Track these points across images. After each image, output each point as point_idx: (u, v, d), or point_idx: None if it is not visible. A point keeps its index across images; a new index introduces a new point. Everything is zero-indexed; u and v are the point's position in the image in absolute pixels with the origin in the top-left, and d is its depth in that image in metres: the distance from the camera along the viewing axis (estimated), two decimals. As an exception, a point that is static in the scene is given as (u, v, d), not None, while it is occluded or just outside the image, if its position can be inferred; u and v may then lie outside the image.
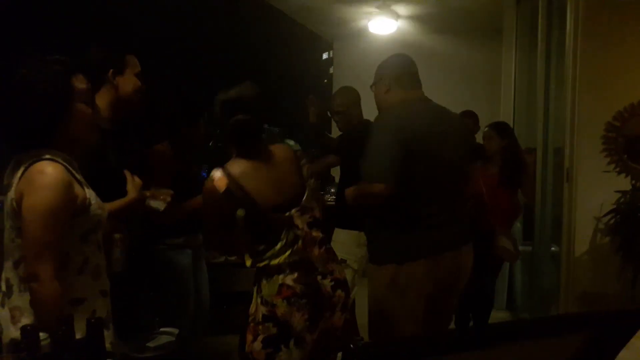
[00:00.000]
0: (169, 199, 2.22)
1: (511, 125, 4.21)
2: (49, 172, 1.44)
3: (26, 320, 1.44)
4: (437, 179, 2.28)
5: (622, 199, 3.72)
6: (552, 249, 3.81)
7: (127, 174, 1.95)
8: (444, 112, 2.51)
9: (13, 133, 1.52)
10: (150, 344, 1.48)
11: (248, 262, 1.98)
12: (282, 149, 2.13)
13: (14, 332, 1.43)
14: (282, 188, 2.00)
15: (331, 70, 6.69)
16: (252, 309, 1.96)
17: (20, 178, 1.47)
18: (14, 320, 1.46)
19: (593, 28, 3.55)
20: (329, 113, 3.57)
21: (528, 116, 4.52)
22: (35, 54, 1.56)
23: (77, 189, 1.50)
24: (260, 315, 1.91)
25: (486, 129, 3.73)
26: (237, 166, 1.97)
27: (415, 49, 6.03)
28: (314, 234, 2.00)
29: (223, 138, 2.05)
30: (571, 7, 3.16)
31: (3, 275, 1.53)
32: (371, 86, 2.64)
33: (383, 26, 5.54)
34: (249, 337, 1.92)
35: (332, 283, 1.98)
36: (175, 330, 1.50)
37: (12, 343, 1.40)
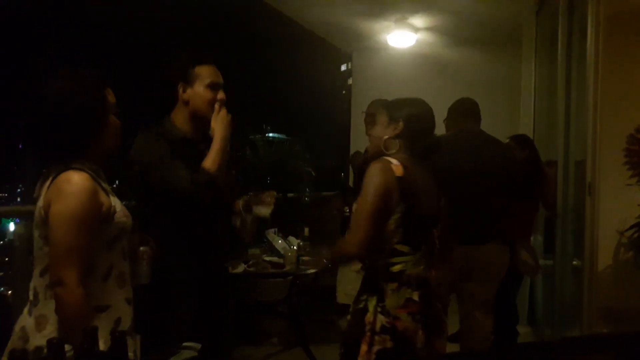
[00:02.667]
0: (273, 200, 2.13)
1: (532, 138, 4.18)
2: (75, 180, 1.47)
3: (51, 327, 1.46)
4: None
5: (645, 213, 3.67)
6: (574, 262, 3.76)
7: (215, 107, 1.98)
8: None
9: (48, 145, 1.54)
10: (173, 359, 1.48)
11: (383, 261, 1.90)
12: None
13: (39, 340, 1.45)
14: (432, 197, 1.98)
15: (350, 81, 6.71)
16: (370, 317, 1.86)
17: (48, 187, 1.50)
18: (39, 327, 1.47)
19: (615, 39, 3.52)
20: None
21: (548, 128, 4.48)
22: (67, 66, 1.58)
23: (103, 197, 1.53)
24: (379, 326, 1.84)
25: (507, 140, 3.71)
26: (408, 160, 1.94)
27: (434, 61, 6.07)
28: (437, 257, 2.00)
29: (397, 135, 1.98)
30: (592, 17, 3.13)
31: (31, 284, 1.55)
32: None
33: (402, 39, 5.56)
34: (364, 347, 1.84)
35: (443, 308, 1.99)
36: (198, 345, 1.50)
37: (37, 351, 1.42)
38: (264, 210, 2.13)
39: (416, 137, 1.99)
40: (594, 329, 3.08)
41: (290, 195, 5.24)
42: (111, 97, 1.60)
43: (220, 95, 2.03)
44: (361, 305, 1.91)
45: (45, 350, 1.07)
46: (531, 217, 3.61)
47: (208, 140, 2.00)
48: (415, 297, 1.86)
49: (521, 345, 2.28)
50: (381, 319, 1.84)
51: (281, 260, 3.71)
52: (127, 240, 1.62)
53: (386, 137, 1.99)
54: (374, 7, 5.01)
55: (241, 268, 3.56)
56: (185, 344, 1.56)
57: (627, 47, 3.71)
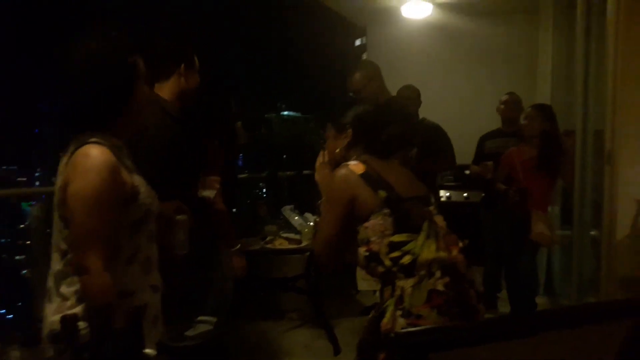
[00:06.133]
0: (217, 185, 2.32)
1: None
2: (94, 154, 1.34)
3: (69, 311, 1.34)
4: None
5: (666, 182, 3.61)
6: (592, 233, 3.73)
7: None
8: None
9: (73, 113, 1.42)
10: (189, 333, 1.48)
11: (377, 269, 1.74)
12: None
13: (57, 323, 1.33)
14: (413, 184, 1.90)
15: (364, 56, 6.64)
16: (387, 324, 1.67)
17: (66, 165, 1.38)
18: (59, 309, 1.36)
19: (636, 5, 3.42)
20: (351, 94, 3.32)
21: (567, 97, 4.41)
22: (97, 29, 1.42)
23: (125, 175, 1.41)
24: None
25: (529, 109, 3.65)
26: (370, 159, 1.88)
27: (449, 33, 5.97)
28: (454, 236, 1.82)
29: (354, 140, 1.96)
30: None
31: (51, 270, 1.44)
32: None
33: (417, 10, 5.47)
34: (382, 356, 1.64)
35: (476, 295, 1.76)
36: (213, 319, 1.51)
37: (52, 333, 1.33)
38: (208, 192, 2.32)
39: (370, 137, 1.93)
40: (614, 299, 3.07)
41: (305, 172, 5.26)
42: (142, 63, 1.47)
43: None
44: (380, 312, 1.75)
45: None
46: (548, 189, 3.58)
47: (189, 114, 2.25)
48: (440, 286, 1.68)
49: (534, 313, 2.27)
50: (401, 323, 1.64)
51: (298, 237, 3.75)
52: (155, 223, 1.51)
53: (339, 149, 1.98)
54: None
55: (258, 245, 3.61)
56: (200, 317, 1.55)
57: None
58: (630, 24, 3.23)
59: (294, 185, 4.99)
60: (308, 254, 3.68)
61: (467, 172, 4.32)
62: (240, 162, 4.93)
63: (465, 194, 5.58)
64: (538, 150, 3.49)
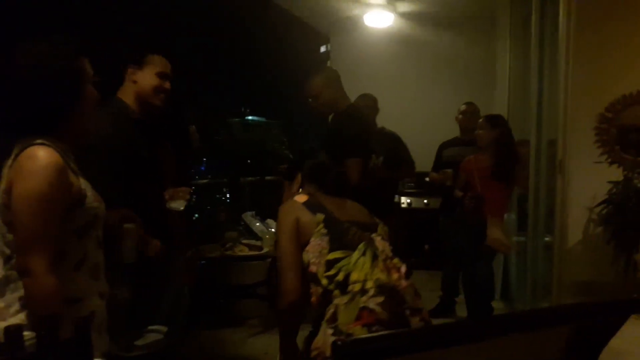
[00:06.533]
0: (187, 196, 2.27)
1: (506, 117, 4.23)
2: (40, 156, 1.31)
3: (12, 319, 1.31)
4: None
5: (614, 190, 3.76)
6: (546, 239, 3.85)
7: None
8: None
9: (16, 117, 1.38)
10: (138, 343, 1.45)
11: (317, 291, 1.78)
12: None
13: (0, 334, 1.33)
14: (355, 212, 2.00)
15: (329, 63, 6.69)
16: (318, 342, 1.66)
17: (10, 167, 1.34)
18: (2, 316, 1.32)
19: (585, 19, 3.56)
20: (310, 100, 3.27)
21: (523, 107, 4.54)
22: (42, 35, 1.41)
23: (72, 177, 1.37)
24: (329, 350, 1.56)
25: (481, 120, 3.75)
26: (315, 192, 2.05)
27: (411, 41, 6.08)
28: (396, 261, 1.82)
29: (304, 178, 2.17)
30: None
31: None
32: None
33: (378, 19, 5.55)
34: None
35: (422, 323, 1.71)
36: (164, 328, 1.49)
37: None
38: (177, 204, 2.26)
39: (317, 178, 2.11)
40: (564, 303, 3.17)
41: (268, 178, 5.25)
42: (89, 67, 1.45)
43: (167, 85, 2.22)
44: (312, 330, 1.78)
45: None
46: (504, 196, 3.67)
47: (154, 119, 2.22)
48: (373, 304, 1.65)
49: (481, 319, 2.32)
50: (331, 341, 1.59)
51: (259, 243, 3.73)
52: (102, 228, 1.47)
53: (293, 191, 2.17)
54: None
55: (218, 251, 3.57)
56: (150, 327, 1.52)
57: (599, 27, 3.75)
58: (580, 39, 3.37)
59: (256, 191, 4.97)
60: (269, 260, 3.67)
61: (427, 179, 4.39)
62: (202, 167, 4.88)
63: (425, 201, 5.67)
64: (493, 159, 3.58)
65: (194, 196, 3.74)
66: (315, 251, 1.79)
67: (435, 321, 3.21)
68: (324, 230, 1.82)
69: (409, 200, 5.78)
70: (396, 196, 5.53)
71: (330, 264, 1.77)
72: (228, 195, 4.69)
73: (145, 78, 2.17)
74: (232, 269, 3.96)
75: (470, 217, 3.62)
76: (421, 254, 5.74)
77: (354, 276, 1.72)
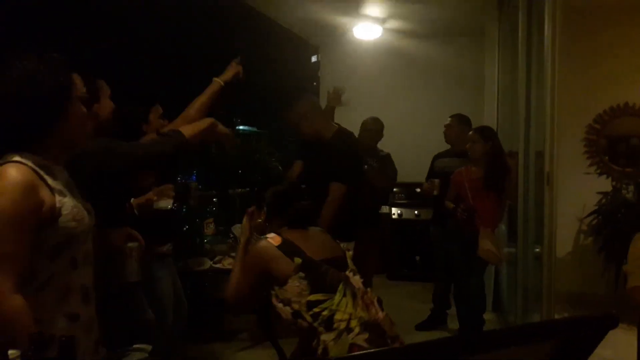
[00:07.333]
0: (172, 193, 2.26)
1: (495, 129, 4.25)
2: (9, 175, 1.31)
3: None
4: None
5: (603, 200, 3.78)
6: (536, 250, 3.85)
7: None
8: None
9: (3, 132, 1.37)
10: None
11: (302, 324, 1.88)
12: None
13: None
14: (326, 247, 2.10)
15: (319, 74, 6.71)
16: None
17: None
18: None
19: (572, 33, 3.59)
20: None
21: (512, 120, 4.57)
22: (31, 49, 1.41)
23: (45, 195, 1.35)
24: None
25: (471, 132, 3.77)
26: (285, 232, 2.09)
27: (400, 53, 6.12)
28: (369, 294, 1.96)
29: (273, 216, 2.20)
30: (549, 12, 3.19)
31: None
32: None
33: (368, 31, 5.58)
34: None
35: None
36: (149, 347, 1.47)
37: None
38: (164, 203, 2.27)
39: (279, 210, 2.18)
40: (555, 314, 3.17)
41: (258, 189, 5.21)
42: (78, 82, 1.45)
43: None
44: None
45: None
46: (496, 208, 3.68)
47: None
48: (361, 341, 1.79)
49: (459, 336, 2.32)
50: None
51: (249, 256, 3.70)
52: (83, 248, 1.44)
53: (259, 222, 2.24)
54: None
55: (207, 264, 3.54)
56: (135, 345, 1.51)
57: (586, 40, 3.79)
58: (567, 51, 3.39)
59: (246, 203, 4.93)
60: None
61: (418, 189, 4.40)
62: (194, 177, 4.84)
63: (416, 212, 5.67)
64: (485, 171, 3.59)
65: (185, 207, 3.70)
66: (295, 292, 1.90)
67: (426, 334, 3.21)
68: (302, 274, 1.91)
69: (399, 211, 5.78)
70: (386, 207, 5.53)
71: (312, 304, 1.87)
72: (215, 208, 4.63)
73: (105, 106, 2.14)
74: (222, 282, 3.92)
75: (463, 229, 3.63)
76: (412, 265, 5.74)
77: (338, 316, 1.83)
